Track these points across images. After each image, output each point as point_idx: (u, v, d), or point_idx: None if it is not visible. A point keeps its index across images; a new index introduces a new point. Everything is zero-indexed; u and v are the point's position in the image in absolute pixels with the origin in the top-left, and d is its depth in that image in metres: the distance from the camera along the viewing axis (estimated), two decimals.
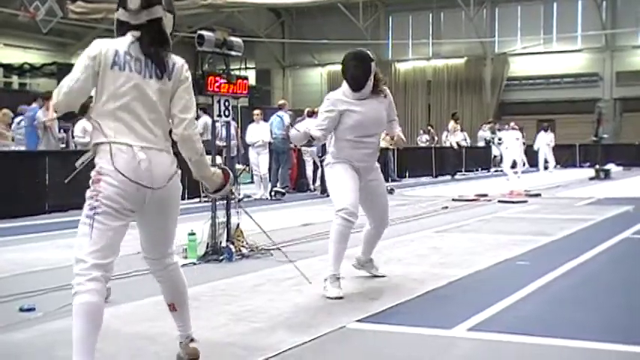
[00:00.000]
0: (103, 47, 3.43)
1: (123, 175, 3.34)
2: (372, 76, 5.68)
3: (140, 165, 3.37)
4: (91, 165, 3.51)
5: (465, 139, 26.76)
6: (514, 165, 21.21)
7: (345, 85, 5.73)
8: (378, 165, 6.01)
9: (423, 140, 28.43)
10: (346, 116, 5.65)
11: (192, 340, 3.88)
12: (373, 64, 5.72)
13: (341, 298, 5.40)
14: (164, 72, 3.50)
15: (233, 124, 7.70)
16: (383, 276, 6.23)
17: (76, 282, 3.41)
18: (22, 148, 13.28)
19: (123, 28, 3.54)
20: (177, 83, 3.55)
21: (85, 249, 3.39)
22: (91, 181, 3.41)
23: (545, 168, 24.73)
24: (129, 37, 3.49)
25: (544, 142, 24.68)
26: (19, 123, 13.84)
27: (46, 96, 13.64)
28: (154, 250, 3.71)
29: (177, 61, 3.59)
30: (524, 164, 27.08)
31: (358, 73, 5.64)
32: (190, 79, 3.64)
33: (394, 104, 6.03)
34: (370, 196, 5.88)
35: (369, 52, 5.88)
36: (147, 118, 3.45)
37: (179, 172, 3.57)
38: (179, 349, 3.88)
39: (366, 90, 5.67)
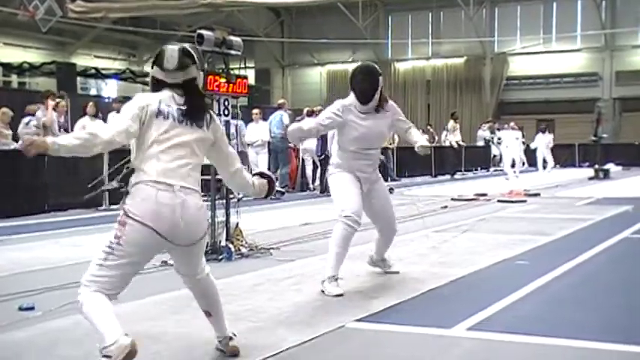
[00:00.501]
0: (148, 100, 3.70)
1: (151, 225, 3.53)
2: (379, 90, 5.82)
3: (180, 207, 3.56)
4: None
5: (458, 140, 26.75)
6: (513, 165, 21.21)
7: (352, 97, 5.86)
8: (380, 176, 6.13)
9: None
10: (351, 128, 5.80)
11: (230, 338, 4.02)
12: (381, 78, 5.88)
13: (341, 295, 5.47)
14: (203, 122, 3.77)
15: (233, 122, 7.68)
16: (397, 272, 6.36)
17: (82, 293, 3.58)
18: None
19: (159, 86, 3.80)
20: (216, 133, 3.84)
21: (91, 272, 3.59)
22: (118, 221, 3.58)
23: (544, 168, 24.73)
24: (168, 91, 3.75)
25: (542, 144, 24.67)
26: (27, 123, 13.85)
27: (46, 95, 13.63)
28: (184, 270, 3.91)
29: (213, 114, 3.91)
30: (523, 164, 27.12)
31: (366, 87, 5.78)
32: (223, 128, 4.00)
33: (400, 112, 6.11)
34: (373, 205, 5.99)
35: (376, 65, 6.03)
36: (186, 162, 3.67)
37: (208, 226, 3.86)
38: (219, 346, 4.05)
39: (373, 103, 5.81)
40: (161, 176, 3.57)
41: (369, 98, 5.78)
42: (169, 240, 3.59)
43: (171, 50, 3.81)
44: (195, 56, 3.83)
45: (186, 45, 3.93)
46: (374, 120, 5.85)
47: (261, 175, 4.25)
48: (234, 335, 4.05)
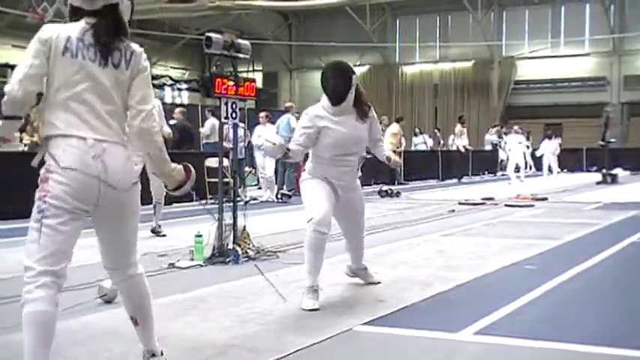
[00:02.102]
0: (54, 32, 3.19)
1: (73, 169, 3.09)
2: (352, 90, 5.41)
3: (93, 159, 3.12)
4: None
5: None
6: (518, 169, 21.19)
7: (324, 99, 5.47)
8: (358, 184, 5.79)
9: (416, 142, 28.32)
10: (325, 134, 5.39)
11: (153, 354, 3.59)
12: (354, 76, 5.46)
13: (317, 309, 5.11)
14: (120, 60, 3.27)
15: (241, 125, 7.70)
16: (378, 282, 6.04)
17: (24, 290, 3.19)
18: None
19: (77, 14, 3.31)
20: (136, 73, 3.33)
21: (33, 255, 3.17)
22: (39, 180, 3.14)
23: (550, 173, 24.64)
24: (82, 23, 3.26)
25: (548, 150, 24.60)
26: None
27: None
28: (112, 260, 3.47)
29: (136, 50, 3.37)
30: (530, 168, 27.06)
31: (338, 86, 5.37)
32: (149, 69, 3.41)
33: (378, 122, 5.83)
34: (346, 213, 5.69)
35: (349, 64, 5.68)
36: (102, 109, 3.21)
37: (138, 170, 3.39)
38: None
39: (346, 104, 5.40)
40: (71, 128, 3.13)
41: (341, 99, 5.36)
42: (96, 176, 3.13)
43: None
44: None
45: None
46: (351, 122, 5.44)
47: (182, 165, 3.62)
48: (162, 354, 3.61)
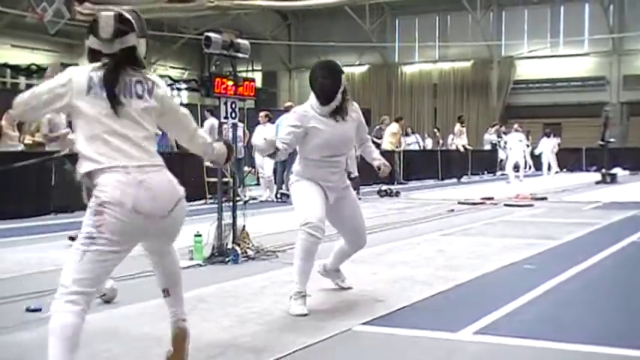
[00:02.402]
0: (74, 74, 3.38)
1: (124, 207, 3.26)
2: (341, 89, 5.30)
3: (141, 187, 3.30)
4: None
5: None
6: (517, 168, 21.19)
7: (312, 99, 5.36)
8: (348, 183, 5.63)
9: (426, 144, 28.42)
10: (314, 134, 5.28)
11: (184, 320, 3.82)
12: (343, 76, 5.40)
13: (306, 315, 4.99)
14: (143, 91, 3.46)
15: (240, 125, 7.70)
16: (349, 288, 5.89)
17: (54, 305, 3.31)
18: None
19: (95, 57, 3.49)
20: (160, 99, 3.53)
21: (71, 275, 3.28)
22: (92, 211, 3.30)
23: (549, 171, 24.65)
24: (100, 63, 3.44)
25: (547, 148, 24.60)
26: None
27: None
28: (153, 252, 3.76)
29: (156, 80, 3.58)
30: (530, 167, 27.07)
31: (327, 86, 5.26)
32: (170, 91, 3.65)
33: (365, 122, 5.67)
34: (340, 216, 5.52)
35: (338, 62, 5.60)
36: (135, 137, 3.39)
37: (183, 193, 3.53)
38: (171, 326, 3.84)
39: (335, 103, 5.29)
40: (112, 160, 3.31)
41: (330, 98, 5.25)
42: (150, 213, 3.32)
43: (106, 17, 3.46)
44: (133, 22, 3.49)
45: (124, 9, 3.55)
46: (340, 123, 5.33)
47: (224, 142, 4.05)
48: (184, 320, 3.84)
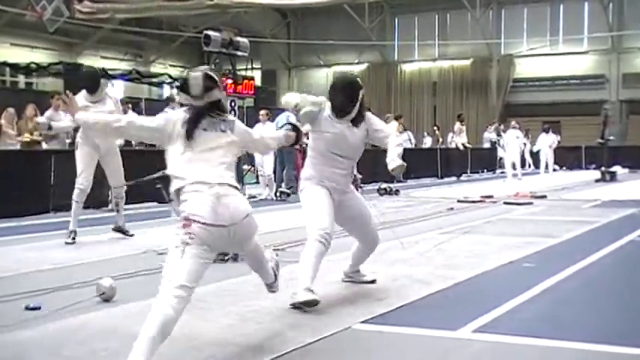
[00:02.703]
0: (175, 116, 4.16)
1: (208, 222, 3.85)
2: (358, 104, 5.50)
3: (219, 201, 3.89)
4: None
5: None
6: (515, 167, 21.19)
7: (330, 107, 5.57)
8: (352, 188, 5.77)
9: (425, 143, 28.45)
10: (326, 129, 5.51)
11: (270, 285, 4.82)
12: (362, 91, 5.54)
13: (317, 301, 5.10)
14: (226, 128, 4.17)
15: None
16: (373, 281, 6.01)
17: (161, 295, 3.75)
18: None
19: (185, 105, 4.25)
20: (238, 133, 4.24)
21: (175, 271, 3.79)
22: (181, 225, 3.88)
23: (547, 169, 24.66)
24: (189, 109, 4.17)
25: (545, 144, 24.59)
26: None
27: (51, 95, 13.63)
28: (246, 249, 4.44)
29: (235, 120, 4.33)
30: (529, 165, 27.07)
31: (345, 103, 5.48)
32: (242, 124, 4.38)
33: (377, 121, 5.76)
34: (348, 218, 5.67)
35: (357, 78, 5.73)
36: (218, 162, 4.06)
37: (251, 209, 4.13)
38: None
39: (349, 117, 5.51)
40: (198, 177, 3.93)
41: (345, 112, 5.48)
42: (225, 225, 3.90)
43: (195, 77, 4.15)
44: (217, 79, 4.21)
45: (207, 69, 4.34)
46: (351, 130, 5.54)
47: (293, 128, 4.98)
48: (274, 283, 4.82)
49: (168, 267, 3.85)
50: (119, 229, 9.04)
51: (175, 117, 4.16)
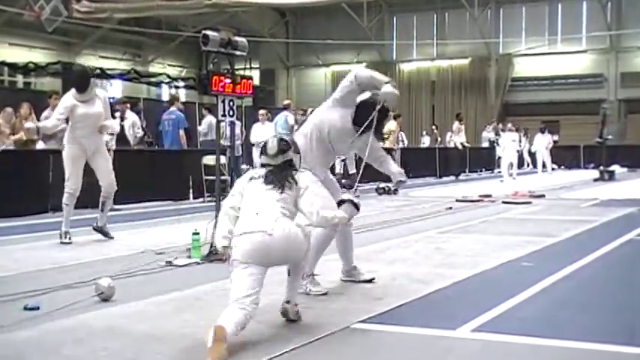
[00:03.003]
0: (246, 176, 4.84)
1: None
2: (373, 118, 5.71)
3: (268, 247, 4.45)
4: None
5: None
6: (512, 167, 21.20)
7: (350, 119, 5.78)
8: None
9: (423, 142, 28.44)
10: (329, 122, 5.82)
11: (288, 302, 4.76)
12: (378, 106, 5.75)
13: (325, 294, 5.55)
14: (292, 187, 4.67)
15: (238, 123, 7.69)
16: (371, 279, 6.04)
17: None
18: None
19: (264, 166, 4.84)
20: (296, 192, 4.68)
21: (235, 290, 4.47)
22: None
23: (544, 169, 24.67)
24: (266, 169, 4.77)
25: (542, 145, 24.58)
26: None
27: (49, 95, 13.57)
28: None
29: (295, 180, 4.73)
30: (528, 165, 27.08)
31: (359, 119, 5.75)
32: (305, 187, 4.72)
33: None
34: None
35: (373, 99, 5.87)
36: (275, 212, 4.54)
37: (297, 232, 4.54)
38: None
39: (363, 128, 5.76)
40: (253, 226, 4.46)
41: (360, 126, 5.73)
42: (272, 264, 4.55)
43: (272, 140, 4.87)
44: (290, 143, 4.87)
45: (284, 136, 5.03)
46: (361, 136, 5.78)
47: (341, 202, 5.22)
48: (296, 305, 4.77)
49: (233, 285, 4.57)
50: (99, 230, 8.76)
51: (248, 175, 4.86)
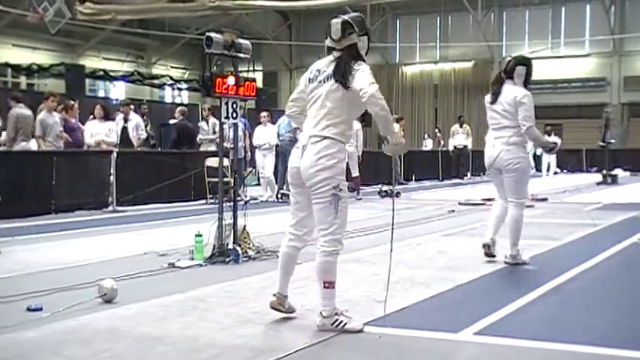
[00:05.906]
0: (307, 72, 4.84)
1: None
2: None
3: (300, 156, 4.57)
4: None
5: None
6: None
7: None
8: None
9: (426, 145, 28.39)
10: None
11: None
12: None
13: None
14: (346, 82, 4.52)
15: (241, 125, 7.68)
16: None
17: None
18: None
19: (330, 51, 4.79)
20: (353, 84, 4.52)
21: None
22: None
23: (548, 171, 24.64)
24: (331, 57, 4.75)
25: None
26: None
27: (45, 96, 13.49)
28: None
29: (353, 73, 4.55)
30: (532, 168, 26.97)
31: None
32: (359, 73, 4.50)
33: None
34: None
35: None
36: (322, 114, 4.61)
37: (328, 164, 4.50)
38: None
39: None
40: (306, 129, 4.59)
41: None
42: (302, 179, 4.62)
43: (335, 23, 4.72)
44: (354, 25, 4.65)
45: (347, 17, 4.72)
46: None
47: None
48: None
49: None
50: None
51: (305, 75, 4.95)
